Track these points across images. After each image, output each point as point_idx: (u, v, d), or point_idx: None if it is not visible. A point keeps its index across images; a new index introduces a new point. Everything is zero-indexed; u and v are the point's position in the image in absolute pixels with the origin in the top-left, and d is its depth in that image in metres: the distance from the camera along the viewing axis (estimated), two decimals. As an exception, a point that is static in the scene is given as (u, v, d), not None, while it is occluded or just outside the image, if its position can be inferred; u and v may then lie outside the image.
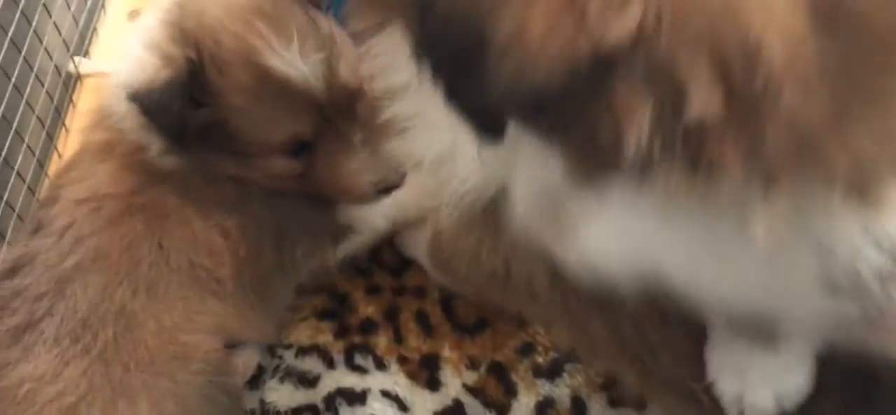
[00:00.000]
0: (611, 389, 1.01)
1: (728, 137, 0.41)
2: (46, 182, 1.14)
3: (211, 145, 0.87)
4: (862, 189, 0.44)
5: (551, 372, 1.02)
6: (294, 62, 0.83)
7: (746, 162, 0.41)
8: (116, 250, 0.86)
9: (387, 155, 0.87)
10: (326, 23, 0.87)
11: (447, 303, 1.07)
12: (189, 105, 0.82)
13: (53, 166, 1.16)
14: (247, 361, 0.99)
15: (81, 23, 1.23)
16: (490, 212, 0.63)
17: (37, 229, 0.88)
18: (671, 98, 0.40)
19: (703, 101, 0.40)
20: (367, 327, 1.06)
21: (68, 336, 0.82)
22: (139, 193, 0.88)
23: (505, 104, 0.43)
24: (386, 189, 0.92)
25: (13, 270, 0.85)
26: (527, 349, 1.04)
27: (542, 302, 0.85)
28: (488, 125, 0.47)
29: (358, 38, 0.62)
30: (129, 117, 0.87)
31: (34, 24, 1.10)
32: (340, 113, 0.88)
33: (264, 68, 0.82)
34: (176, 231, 0.88)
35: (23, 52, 1.08)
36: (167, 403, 0.84)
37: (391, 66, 0.61)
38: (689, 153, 0.42)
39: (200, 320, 0.89)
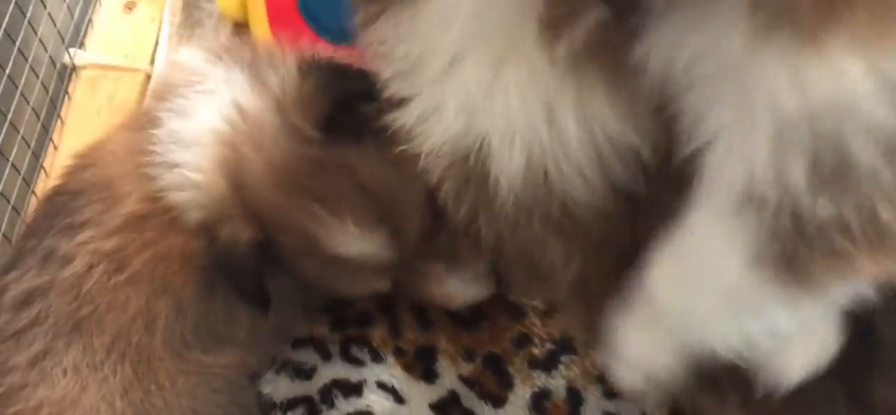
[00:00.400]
0: (607, 380, 1.00)
1: None
2: (42, 174, 1.14)
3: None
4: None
5: (547, 363, 1.02)
6: (357, 243, 0.83)
7: None
8: (134, 306, 0.86)
9: (473, 269, 0.90)
10: (386, 174, 0.82)
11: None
12: (267, 271, 0.84)
13: (49, 158, 1.16)
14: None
15: (76, 14, 1.23)
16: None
17: (50, 255, 0.87)
18: None
19: None
20: (364, 319, 1.05)
21: (87, 365, 0.85)
22: (167, 267, 0.87)
23: None
24: None
25: (27, 301, 0.86)
26: (523, 341, 1.04)
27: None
28: None
29: (362, 29, 0.62)
30: (173, 187, 0.85)
31: (28, 14, 1.10)
32: (419, 256, 0.88)
33: (327, 256, 0.83)
34: (194, 305, 0.89)
35: (17, 43, 1.07)
36: None
37: (394, 49, 0.61)
38: None
39: (221, 349, 0.91)
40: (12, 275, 0.89)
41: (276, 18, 1.14)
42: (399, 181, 0.82)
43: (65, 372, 0.84)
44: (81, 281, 0.85)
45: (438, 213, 0.81)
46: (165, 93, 0.91)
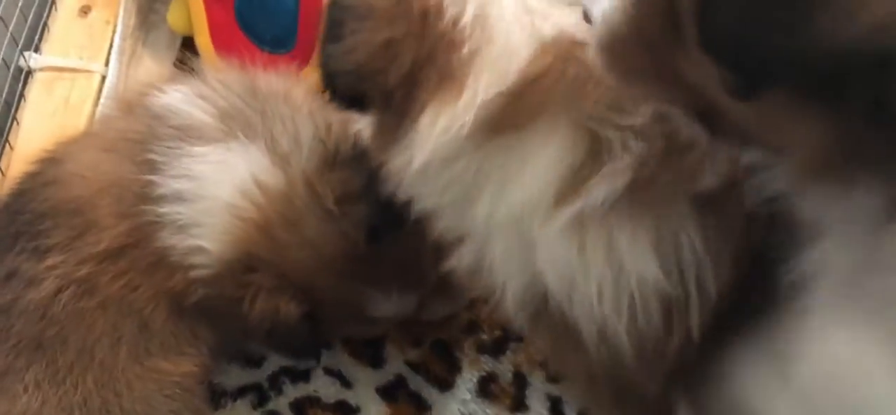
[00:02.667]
0: (549, 366, 1.03)
1: None
2: (-1, 176, 1.15)
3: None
4: None
5: (495, 349, 1.04)
6: (394, 308, 0.92)
7: None
8: (100, 327, 0.88)
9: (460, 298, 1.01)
10: (414, 246, 0.89)
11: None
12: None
13: (5, 159, 1.17)
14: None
15: (31, 17, 1.24)
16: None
17: (12, 275, 0.87)
18: None
19: None
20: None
21: (48, 381, 0.86)
22: (138, 295, 0.88)
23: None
24: None
25: None
26: (472, 328, 1.06)
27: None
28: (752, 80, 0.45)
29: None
30: (185, 256, 0.87)
31: (-18, 18, 1.12)
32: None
33: (370, 318, 0.92)
34: (161, 327, 0.90)
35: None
36: None
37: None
38: None
39: (179, 359, 0.92)
40: None
41: (217, 31, 1.18)
42: (427, 256, 0.89)
43: (26, 389, 0.85)
44: (48, 304, 0.86)
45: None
46: (149, 126, 0.91)
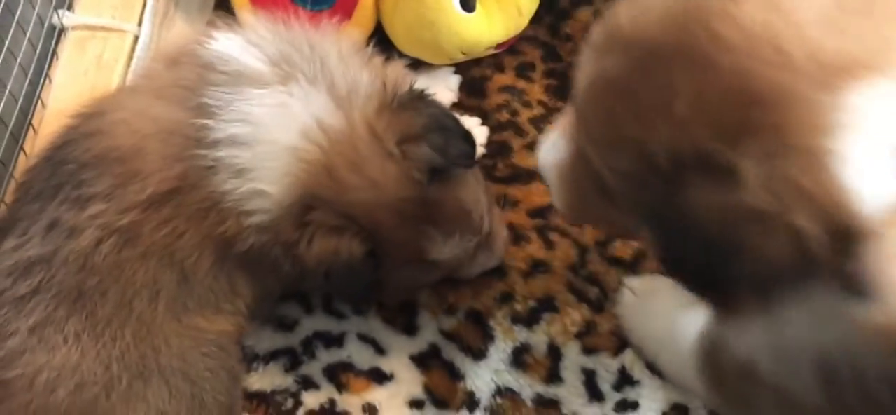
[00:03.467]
0: (585, 337, 1.02)
1: None
2: (30, 132, 1.15)
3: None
4: None
5: (529, 319, 1.03)
6: (454, 251, 0.93)
7: None
8: (140, 278, 0.88)
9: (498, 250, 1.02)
10: (474, 193, 0.93)
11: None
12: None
13: (37, 116, 1.17)
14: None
15: (65, -25, 1.24)
16: None
17: (54, 225, 0.87)
18: None
19: None
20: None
21: (87, 333, 0.86)
22: (182, 242, 0.88)
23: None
24: None
25: (28, 270, 0.87)
26: (506, 298, 1.05)
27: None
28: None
29: None
30: (241, 201, 0.86)
31: (16, -26, 1.11)
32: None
33: (431, 262, 0.93)
34: (201, 279, 0.90)
35: (4, 1, 1.08)
36: (178, 380, 0.89)
37: None
38: None
39: (219, 316, 0.93)
40: (12, 241, 0.89)
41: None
42: (485, 199, 0.95)
43: (65, 340, 0.85)
44: (89, 254, 0.86)
45: None
46: (200, 73, 0.89)
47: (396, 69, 0.95)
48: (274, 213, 0.86)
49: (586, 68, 0.67)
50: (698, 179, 0.56)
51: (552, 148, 0.78)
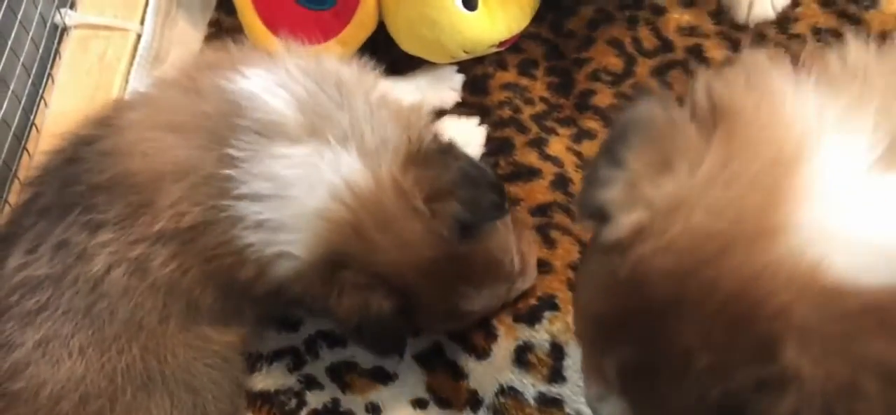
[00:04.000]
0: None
1: None
2: (33, 131, 1.15)
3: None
4: None
5: (531, 318, 1.04)
6: (486, 302, 0.93)
7: None
8: (149, 304, 0.88)
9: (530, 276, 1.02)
10: (503, 239, 0.92)
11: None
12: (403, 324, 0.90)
13: (40, 116, 1.17)
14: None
15: (67, -26, 1.24)
16: None
17: (63, 245, 0.87)
18: None
19: None
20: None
21: (92, 347, 0.86)
22: (189, 279, 0.88)
23: None
24: None
25: (37, 287, 0.87)
26: (508, 297, 1.05)
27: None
28: None
29: None
30: (264, 254, 0.86)
31: (19, -27, 1.11)
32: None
33: (463, 312, 0.92)
34: (209, 306, 0.91)
35: (6, 1, 1.08)
36: (180, 391, 0.90)
37: None
38: None
39: (227, 329, 0.94)
40: (19, 257, 0.88)
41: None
42: (513, 247, 0.93)
43: (70, 355, 0.86)
44: (99, 279, 0.86)
45: None
46: (225, 113, 0.87)
47: (421, 116, 0.93)
48: (301, 270, 0.86)
49: (606, 361, 0.61)
50: (760, 403, 0.51)
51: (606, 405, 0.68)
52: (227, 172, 0.84)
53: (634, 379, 0.59)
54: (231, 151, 0.84)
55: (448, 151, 0.89)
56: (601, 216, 0.59)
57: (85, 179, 0.88)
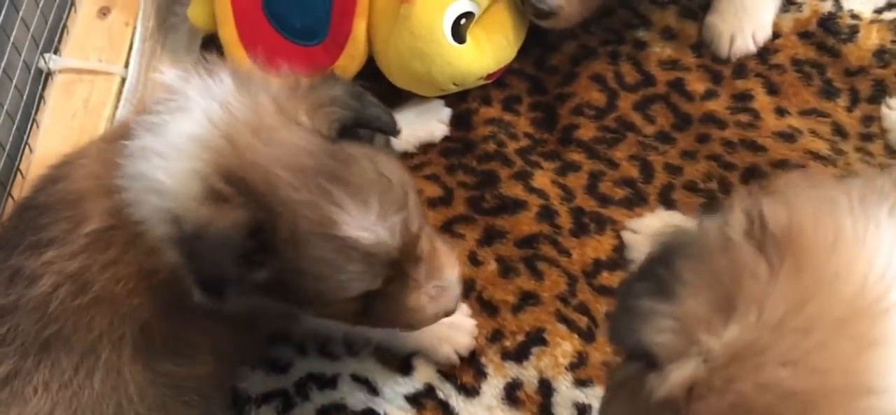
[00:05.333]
0: (577, 369, 1.02)
1: None
2: (18, 177, 1.15)
3: (257, 294, 0.82)
4: None
5: (519, 355, 1.04)
6: (374, 229, 0.78)
7: None
8: (99, 327, 0.85)
9: (447, 282, 0.87)
10: (397, 168, 0.82)
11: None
12: (244, 264, 0.77)
13: (25, 161, 1.17)
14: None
15: (51, 19, 1.24)
16: None
17: (16, 274, 0.86)
18: None
19: None
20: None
21: (56, 383, 0.85)
22: (127, 287, 0.85)
23: None
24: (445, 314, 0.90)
25: None
26: (496, 335, 1.05)
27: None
28: None
29: None
30: (162, 241, 0.81)
31: (1, 20, 1.11)
32: (408, 257, 0.83)
33: (343, 240, 0.77)
34: (159, 325, 0.88)
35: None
36: None
37: None
38: None
39: (192, 360, 0.91)
40: None
41: (242, 21, 1.16)
42: (398, 171, 0.82)
43: (35, 391, 0.84)
44: (47, 301, 0.84)
45: None
46: (141, 109, 0.88)
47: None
48: (174, 207, 0.79)
49: None
50: None
51: None
52: (124, 142, 0.82)
53: None
54: (130, 127, 0.84)
55: (338, 79, 0.83)
56: (645, 358, 0.51)
57: (34, 203, 0.89)
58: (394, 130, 0.83)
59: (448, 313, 0.89)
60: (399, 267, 0.83)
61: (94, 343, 0.86)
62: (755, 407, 0.45)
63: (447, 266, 0.87)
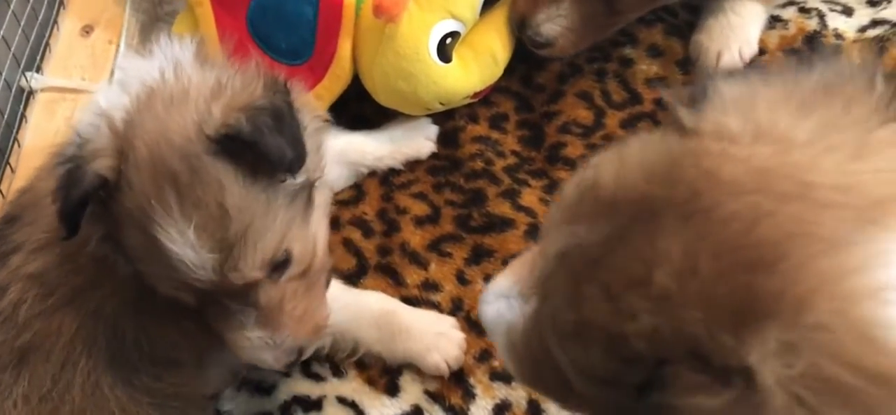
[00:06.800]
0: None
1: None
2: (-1, 197, 1.13)
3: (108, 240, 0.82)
4: None
5: (507, 375, 1.03)
6: (184, 250, 0.76)
7: None
8: (68, 330, 0.85)
9: (279, 342, 0.83)
10: (261, 216, 0.79)
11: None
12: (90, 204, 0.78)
13: (6, 182, 1.15)
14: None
15: (33, 37, 1.22)
16: None
17: None
18: None
19: None
20: (326, 335, 1.06)
21: (36, 395, 0.84)
22: (85, 279, 0.85)
23: None
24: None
25: None
26: (484, 355, 1.04)
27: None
28: None
29: None
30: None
31: (-17, 39, 1.10)
32: (230, 296, 0.81)
33: (153, 239, 0.76)
34: (125, 322, 0.87)
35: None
36: None
37: None
38: None
39: (170, 371, 0.90)
40: None
41: (227, 42, 1.14)
42: (261, 215, 0.78)
43: (15, 404, 0.83)
44: (17, 309, 0.84)
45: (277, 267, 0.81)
46: None
47: None
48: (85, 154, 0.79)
49: (554, 235, 0.53)
50: (688, 381, 0.43)
51: (503, 303, 0.62)
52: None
53: (570, 267, 0.50)
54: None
55: (274, 94, 0.81)
56: (699, 97, 0.51)
57: (4, 215, 0.89)
58: (285, 168, 0.78)
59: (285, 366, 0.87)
60: (218, 299, 0.81)
61: (69, 349, 0.85)
62: (763, 169, 0.44)
63: (289, 329, 0.83)
